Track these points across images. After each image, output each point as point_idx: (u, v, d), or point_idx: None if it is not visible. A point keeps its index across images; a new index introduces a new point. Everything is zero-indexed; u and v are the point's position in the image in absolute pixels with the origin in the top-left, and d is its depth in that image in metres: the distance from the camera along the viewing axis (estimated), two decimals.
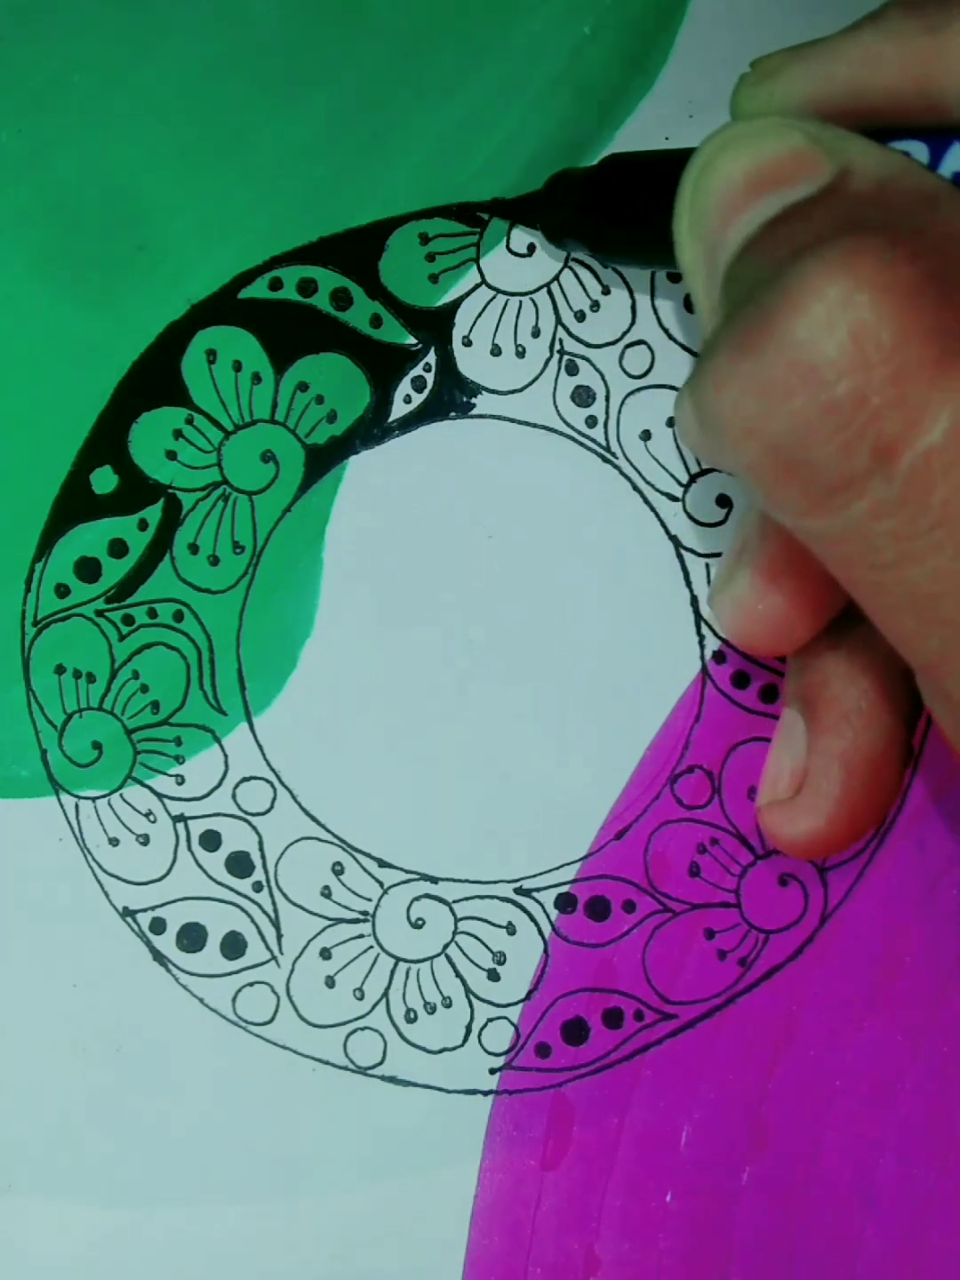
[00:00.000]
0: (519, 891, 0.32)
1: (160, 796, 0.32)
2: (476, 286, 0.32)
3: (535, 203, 0.31)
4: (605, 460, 0.33)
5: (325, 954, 0.32)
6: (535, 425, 0.32)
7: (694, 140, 0.32)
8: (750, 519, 0.25)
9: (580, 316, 0.33)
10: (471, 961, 0.32)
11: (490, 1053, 0.32)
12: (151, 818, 0.32)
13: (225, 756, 0.32)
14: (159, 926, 0.32)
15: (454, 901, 0.32)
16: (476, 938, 0.32)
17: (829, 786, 0.24)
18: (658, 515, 0.33)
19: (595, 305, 0.33)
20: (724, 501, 0.33)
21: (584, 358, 0.32)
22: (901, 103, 0.21)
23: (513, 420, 0.32)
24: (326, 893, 0.32)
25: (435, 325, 0.32)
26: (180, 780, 0.32)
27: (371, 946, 0.32)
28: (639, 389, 0.33)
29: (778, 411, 0.17)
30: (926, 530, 0.17)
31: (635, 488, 0.33)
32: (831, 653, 0.25)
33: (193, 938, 0.32)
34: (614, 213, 0.27)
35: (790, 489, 0.18)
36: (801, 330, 0.17)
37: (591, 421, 0.33)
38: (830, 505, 0.17)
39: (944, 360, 0.16)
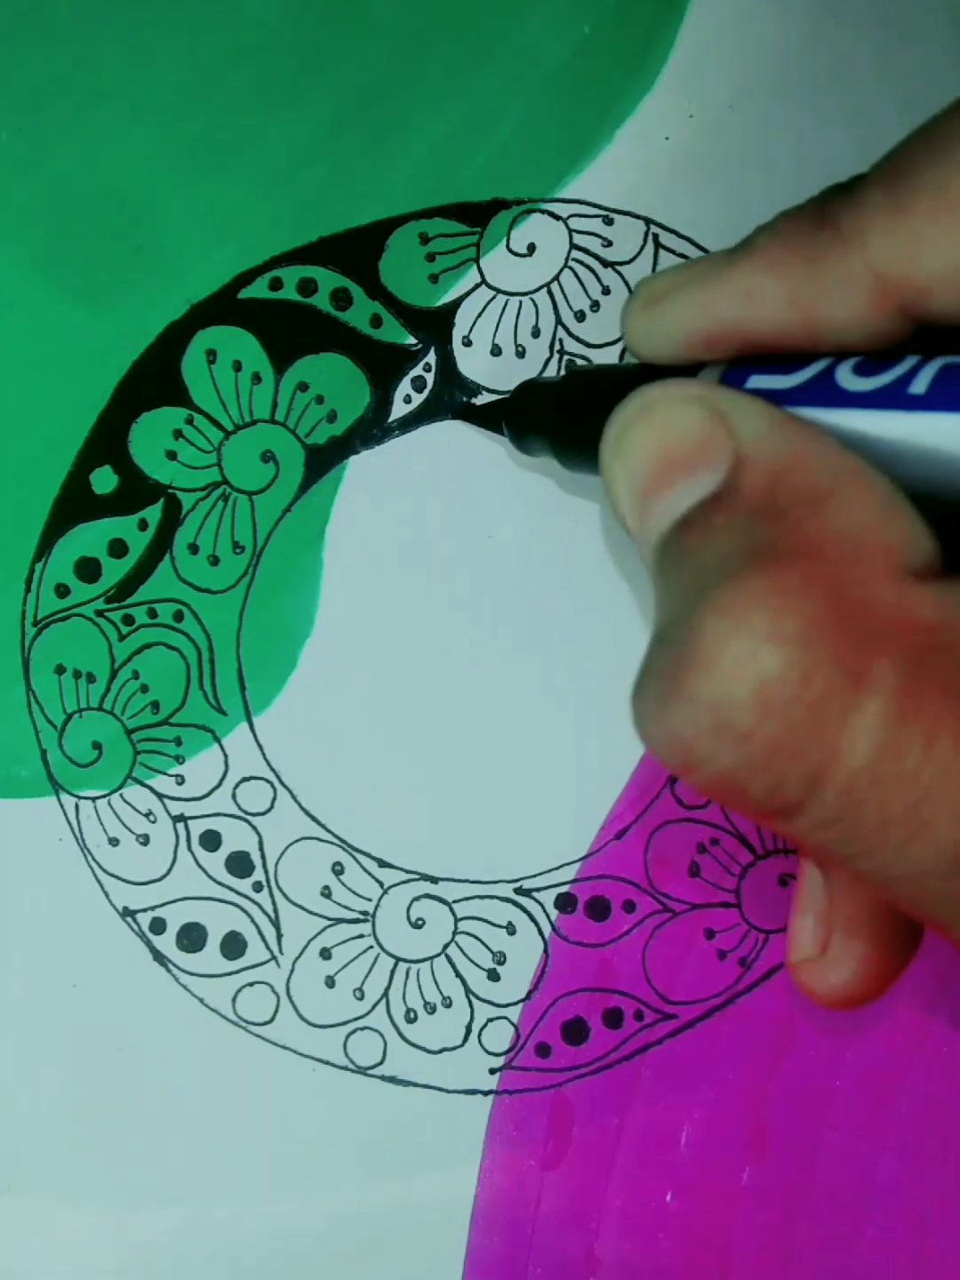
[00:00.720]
0: (519, 891, 0.32)
1: (160, 796, 0.32)
2: (476, 286, 0.32)
3: (502, 408, 0.31)
4: None
5: (325, 954, 0.32)
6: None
7: (694, 139, 0.33)
8: (813, 882, 0.25)
9: (580, 316, 0.33)
10: (471, 961, 0.32)
11: (490, 1053, 0.32)
12: (151, 818, 0.32)
13: (225, 756, 0.32)
14: (159, 926, 0.32)
15: (454, 901, 0.32)
16: (476, 938, 0.32)
17: (853, 943, 0.24)
18: None
19: (595, 305, 0.33)
20: None
21: (584, 358, 0.32)
22: (784, 333, 0.22)
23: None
24: (326, 893, 0.32)
25: (435, 325, 0.32)
26: (180, 780, 0.32)
27: (371, 946, 0.32)
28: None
29: (704, 760, 0.18)
30: (872, 832, 0.17)
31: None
32: None
33: (193, 938, 0.32)
34: (574, 431, 0.27)
35: (736, 809, 0.19)
36: (710, 690, 0.17)
37: None
38: (776, 822, 0.18)
39: (850, 684, 0.17)
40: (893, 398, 0.20)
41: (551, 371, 0.33)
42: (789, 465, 0.19)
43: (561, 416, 0.28)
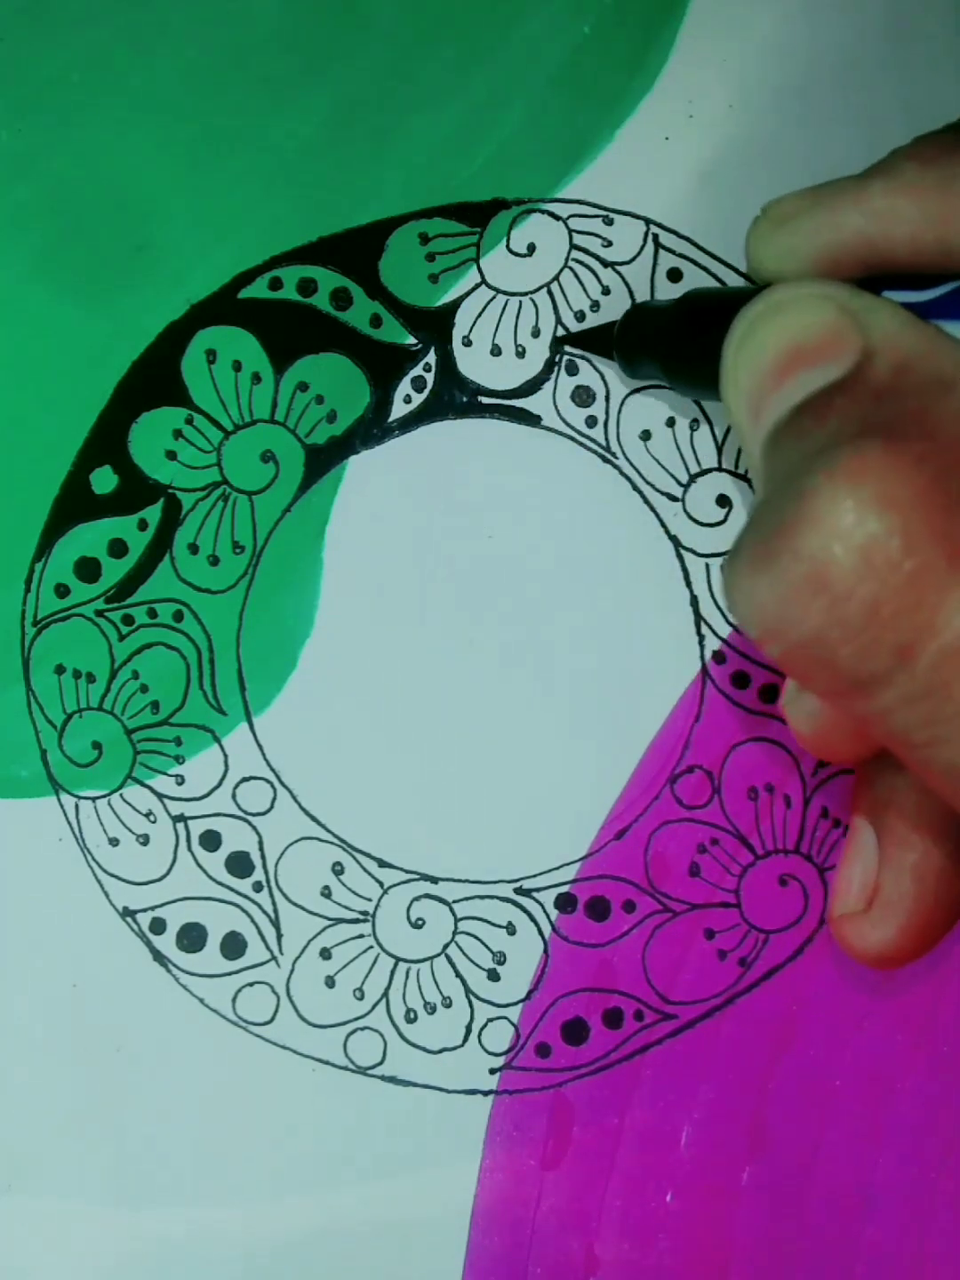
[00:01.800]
0: (519, 891, 0.32)
1: (160, 796, 0.32)
2: (476, 286, 0.32)
3: (608, 333, 0.31)
4: (605, 460, 0.33)
5: (325, 954, 0.32)
6: (536, 425, 0.32)
7: (694, 139, 0.33)
8: None
9: (580, 317, 0.33)
10: (471, 961, 0.32)
11: (490, 1053, 0.32)
12: (151, 818, 0.32)
13: (225, 756, 0.32)
14: (159, 926, 0.32)
15: (454, 901, 0.32)
16: (476, 938, 0.32)
17: (901, 899, 0.24)
18: (658, 515, 0.33)
19: (595, 305, 0.33)
20: (724, 501, 0.33)
21: (584, 358, 0.32)
22: (917, 255, 0.22)
23: (513, 420, 0.32)
24: (326, 893, 0.32)
25: (435, 325, 0.32)
26: (180, 780, 0.32)
27: (371, 946, 0.32)
28: (639, 389, 0.33)
29: (797, 620, 0.18)
30: (952, 716, 0.17)
31: (635, 488, 0.33)
32: (901, 764, 0.25)
33: (193, 938, 0.32)
34: (689, 349, 0.27)
35: (817, 682, 0.19)
36: (815, 545, 0.18)
37: (591, 421, 0.33)
38: (858, 696, 0.18)
39: (952, 563, 0.17)
40: None
41: (551, 370, 0.33)
42: (918, 357, 0.19)
43: (676, 337, 0.28)
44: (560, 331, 0.32)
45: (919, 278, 0.22)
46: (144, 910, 0.32)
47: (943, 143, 0.22)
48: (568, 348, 0.32)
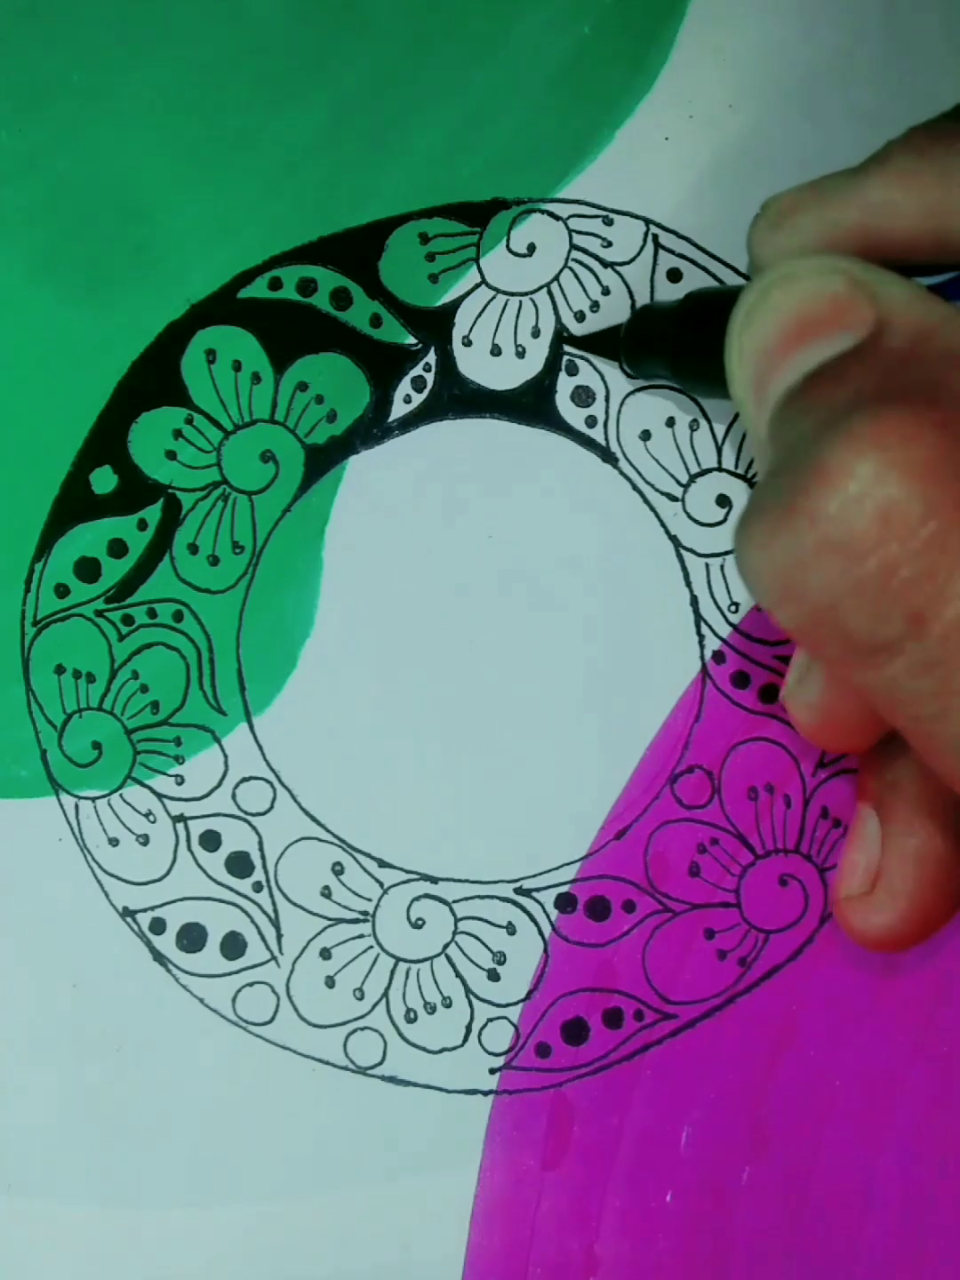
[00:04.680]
0: (519, 891, 0.32)
1: (160, 796, 0.32)
2: (476, 286, 0.32)
3: (614, 335, 0.31)
4: (605, 460, 0.33)
5: (325, 954, 0.32)
6: (535, 425, 0.32)
7: (694, 139, 0.33)
8: None
9: (580, 317, 0.33)
10: (471, 961, 0.32)
11: (490, 1053, 0.32)
12: (151, 818, 0.32)
13: (225, 756, 0.32)
14: (159, 926, 0.32)
15: (454, 901, 0.32)
16: (476, 938, 0.32)
17: (903, 884, 0.24)
18: (657, 515, 0.33)
19: (595, 305, 0.33)
20: (724, 501, 0.33)
21: (584, 358, 0.32)
22: (915, 246, 0.22)
23: (513, 420, 0.32)
24: (326, 893, 0.32)
25: (435, 325, 0.32)
26: (180, 780, 0.32)
27: (371, 946, 0.32)
28: (639, 389, 0.33)
29: (810, 581, 0.18)
30: None
31: (635, 488, 0.33)
32: (905, 750, 0.25)
33: (193, 938, 0.32)
34: (695, 347, 0.28)
35: (828, 649, 0.18)
36: (832, 506, 0.17)
37: (591, 421, 0.33)
38: (868, 664, 0.18)
39: None
40: None
41: (551, 370, 0.33)
42: (935, 328, 0.19)
43: (682, 335, 0.28)
44: (564, 332, 0.32)
45: (919, 268, 0.22)
46: (144, 910, 0.32)
47: (936, 133, 0.22)
48: (570, 348, 0.32)
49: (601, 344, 0.32)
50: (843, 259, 0.20)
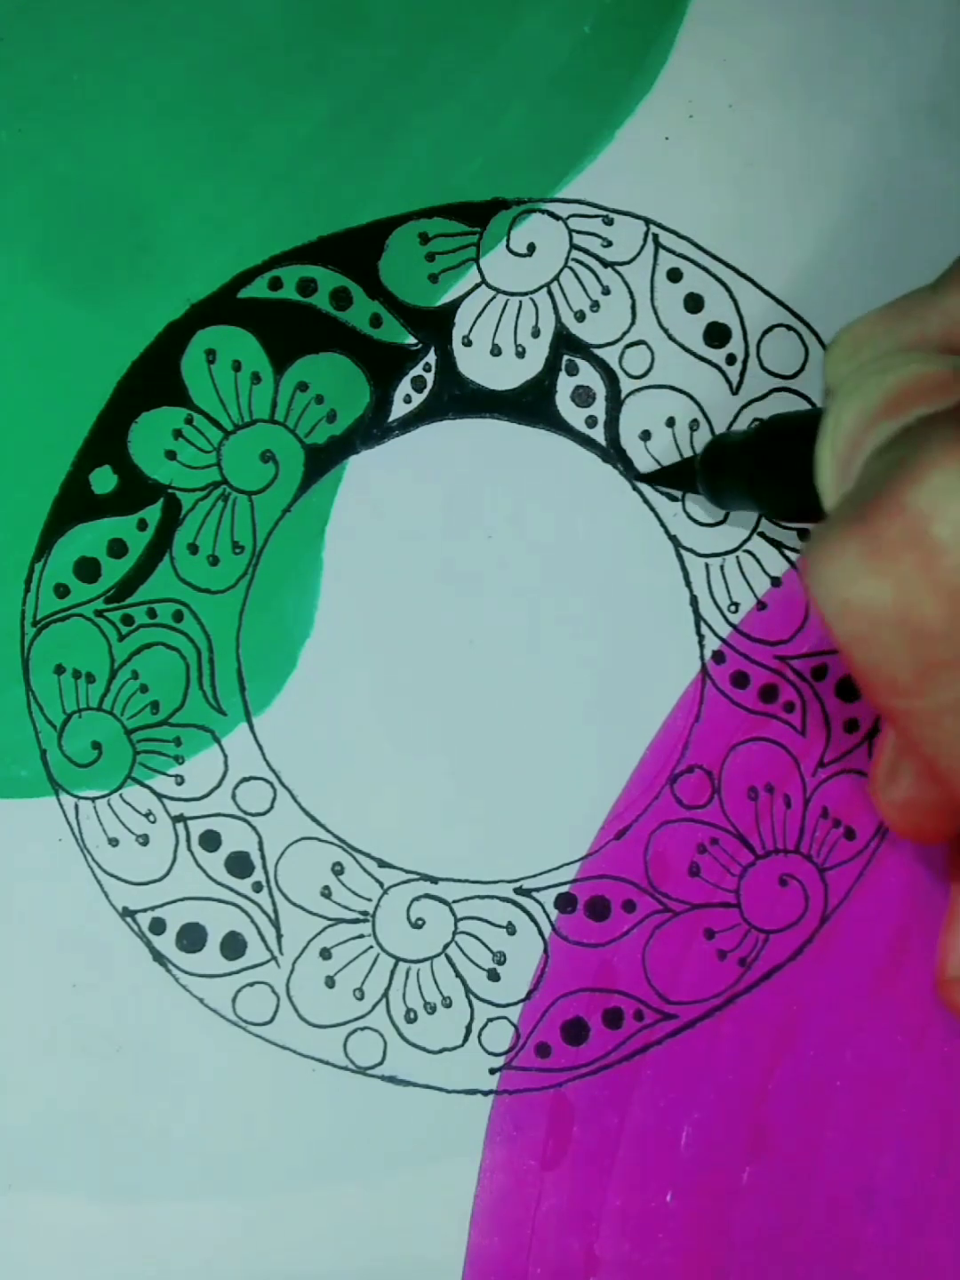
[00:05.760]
0: (519, 891, 0.32)
1: (160, 796, 0.32)
2: (476, 286, 0.32)
3: (690, 468, 0.31)
4: (605, 460, 0.33)
5: (325, 954, 0.32)
6: (535, 425, 0.32)
7: (694, 139, 0.33)
8: None
9: (580, 317, 0.33)
10: (471, 961, 0.32)
11: (490, 1053, 0.32)
12: (151, 818, 0.32)
13: (225, 756, 0.32)
14: (159, 927, 0.32)
15: (454, 901, 0.32)
16: (476, 938, 0.32)
17: None
18: (657, 515, 0.33)
19: (595, 305, 0.33)
20: None
21: (584, 358, 0.32)
22: None
23: (513, 420, 0.32)
24: (326, 893, 0.32)
25: (435, 325, 0.32)
26: (180, 780, 0.32)
27: (371, 946, 0.32)
28: (639, 389, 0.33)
29: (887, 575, 0.18)
30: None
31: (635, 488, 0.33)
32: None
33: (193, 938, 0.32)
34: (776, 474, 0.27)
35: (895, 661, 0.18)
36: (919, 498, 0.17)
37: (591, 421, 0.33)
38: (935, 680, 0.18)
39: None
40: None
41: (551, 370, 0.33)
42: None
43: (763, 462, 0.28)
44: (561, 332, 0.32)
45: None
46: (144, 910, 0.32)
47: None
48: (644, 484, 0.32)
49: (677, 478, 0.32)
50: (930, 354, 0.21)
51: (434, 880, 0.32)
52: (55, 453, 0.32)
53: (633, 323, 0.33)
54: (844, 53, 0.33)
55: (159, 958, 0.32)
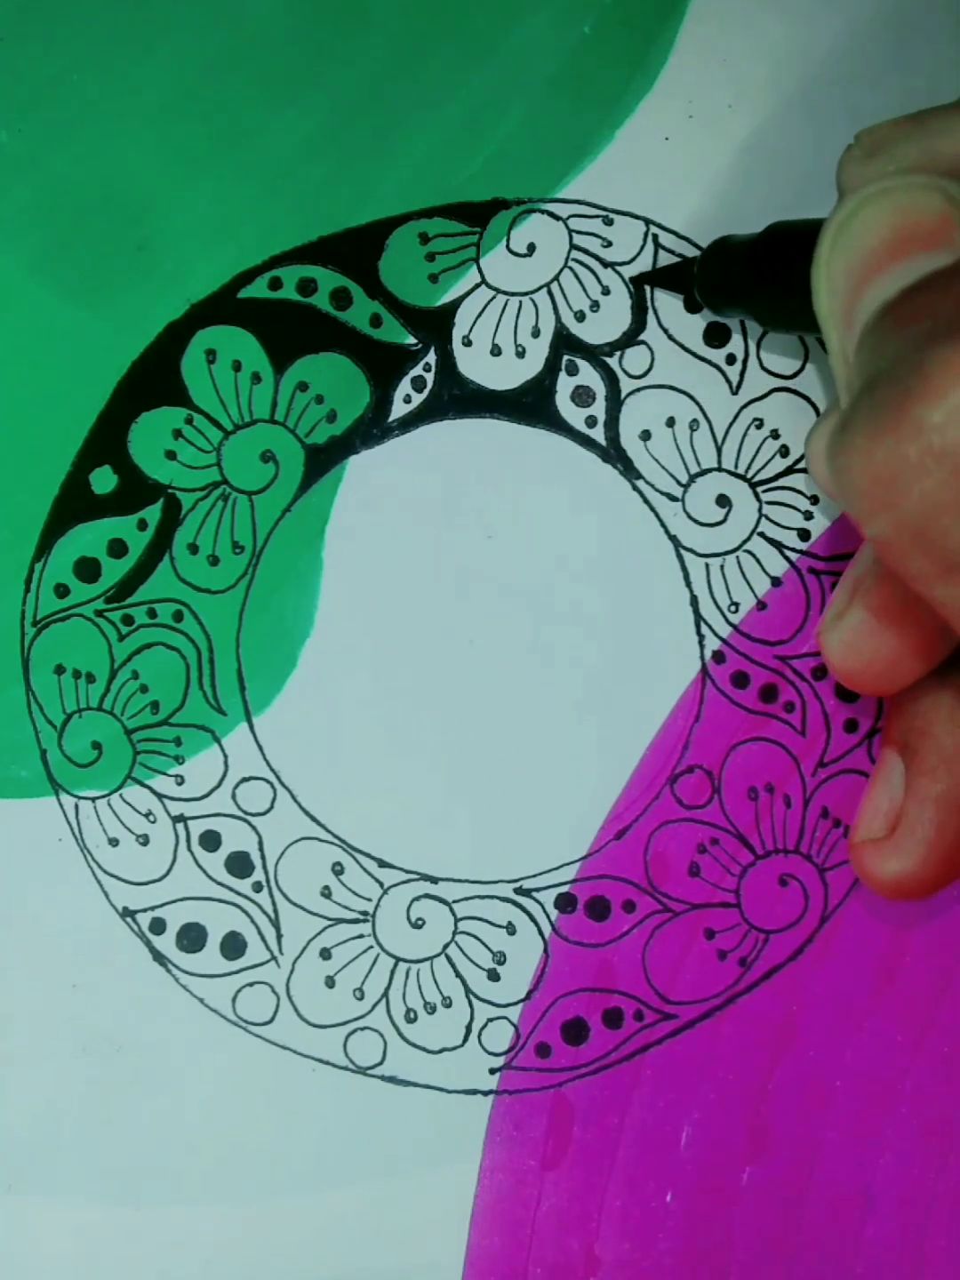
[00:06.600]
0: (519, 891, 0.32)
1: (160, 796, 0.32)
2: (476, 286, 0.32)
3: (688, 269, 0.31)
4: (605, 460, 0.33)
5: (325, 954, 0.32)
6: (535, 425, 0.32)
7: (694, 139, 0.33)
8: (866, 558, 0.25)
9: (580, 317, 0.32)
10: (471, 961, 0.32)
11: (490, 1053, 0.32)
12: (151, 818, 0.32)
13: (225, 756, 0.32)
14: (159, 927, 0.32)
15: (454, 901, 0.32)
16: (476, 938, 0.32)
17: (923, 829, 0.24)
18: (657, 515, 0.33)
19: (595, 305, 0.33)
20: (724, 501, 0.33)
21: (584, 358, 0.32)
22: None
23: (513, 420, 0.32)
24: (326, 893, 0.32)
25: (435, 325, 0.32)
26: (180, 780, 0.32)
27: (371, 946, 0.32)
28: (639, 389, 0.33)
29: (911, 490, 0.18)
30: None
31: (635, 488, 0.33)
32: (935, 695, 0.25)
33: (193, 938, 0.32)
34: (776, 282, 0.27)
35: (921, 561, 0.18)
36: (938, 415, 0.17)
37: (591, 421, 0.33)
38: (954, 579, 0.18)
39: None
40: None
41: (551, 370, 0.33)
42: None
43: (762, 267, 0.27)
44: (560, 332, 0.32)
45: None
46: (144, 910, 0.32)
47: None
48: (636, 284, 0.32)
49: (674, 278, 0.32)
50: (940, 177, 0.20)
51: (434, 880, 0.32)
52: (55, 453, 0.32)
53: (633, 323, 0.33)
54: (844, 52, 0.33)
55: (159, 958, 0.32)
